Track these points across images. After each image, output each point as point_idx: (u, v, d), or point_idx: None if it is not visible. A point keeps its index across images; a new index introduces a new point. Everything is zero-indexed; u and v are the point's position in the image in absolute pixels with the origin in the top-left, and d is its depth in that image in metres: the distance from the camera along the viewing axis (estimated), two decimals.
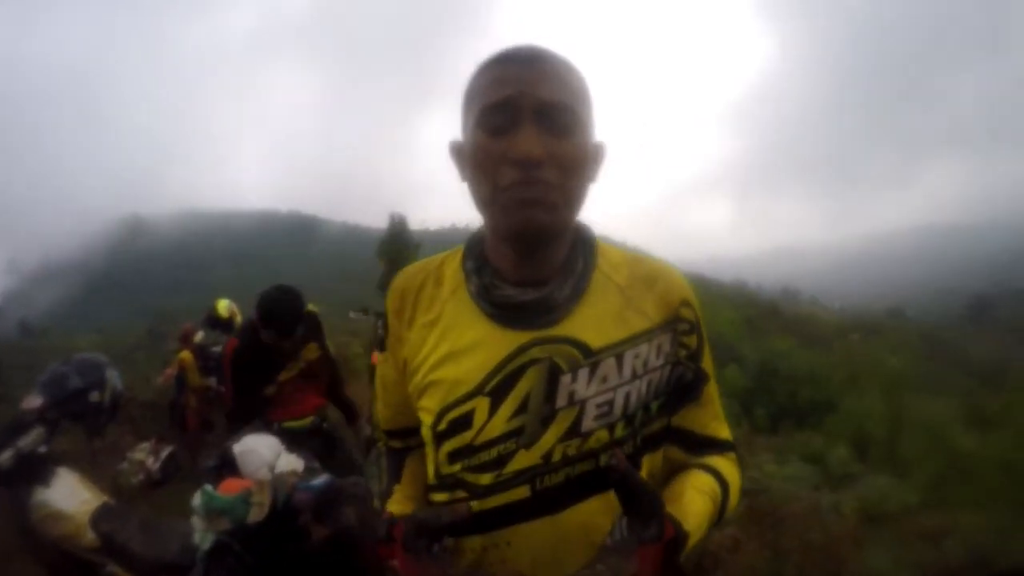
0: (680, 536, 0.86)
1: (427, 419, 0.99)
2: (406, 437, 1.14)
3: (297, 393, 3.20)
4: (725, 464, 1.04)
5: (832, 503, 4.88)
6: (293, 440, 2.76)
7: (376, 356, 1.17)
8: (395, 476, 1.12)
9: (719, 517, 0.99)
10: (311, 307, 3.27)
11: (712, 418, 1.07)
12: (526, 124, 0.86)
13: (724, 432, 1.09)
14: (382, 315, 1.11)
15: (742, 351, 15.27)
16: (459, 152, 0.98)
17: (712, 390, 1.07)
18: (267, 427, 2.95)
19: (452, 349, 0.97)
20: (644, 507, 0.82)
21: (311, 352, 3.24)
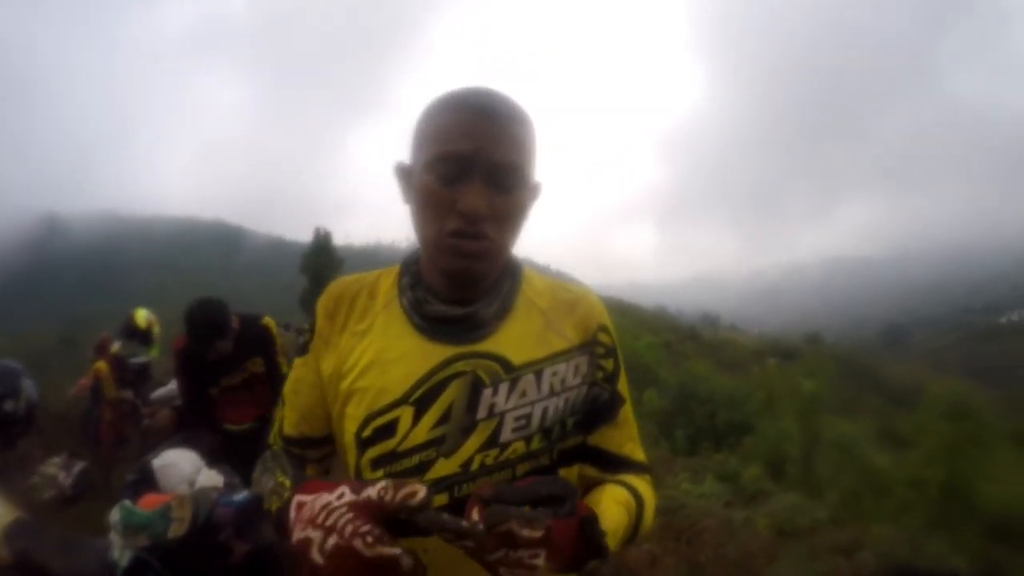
0: (592, 516, 0.87)
1: (351, 426, 1.01)
2: (304, 447, 1.12)
3: (238, 400, 3.36)
4: (640, 483, 1.08)
5: (744, 519, 5.08)
6: (232, 443, 2.85)
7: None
8: (293, 474, 1.03)
9: (634, 531, 1.02)
10: (267, 321, 3.38)
11: (627, 439, 1.12)
12: (476, 181, 0.92)
13: (639, 454, 1.14)
14: (304, 329, 1.14)
15: (661, 375, 15.64)
16: (406, 177, 1.03)
17: (628, 413, 1.13)
18: (212, 426, 3.19)
19: (381, 358, 1.01)
20: (554, 490, 0.85)
21: (255, 365, 3.36)
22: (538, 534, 0.77)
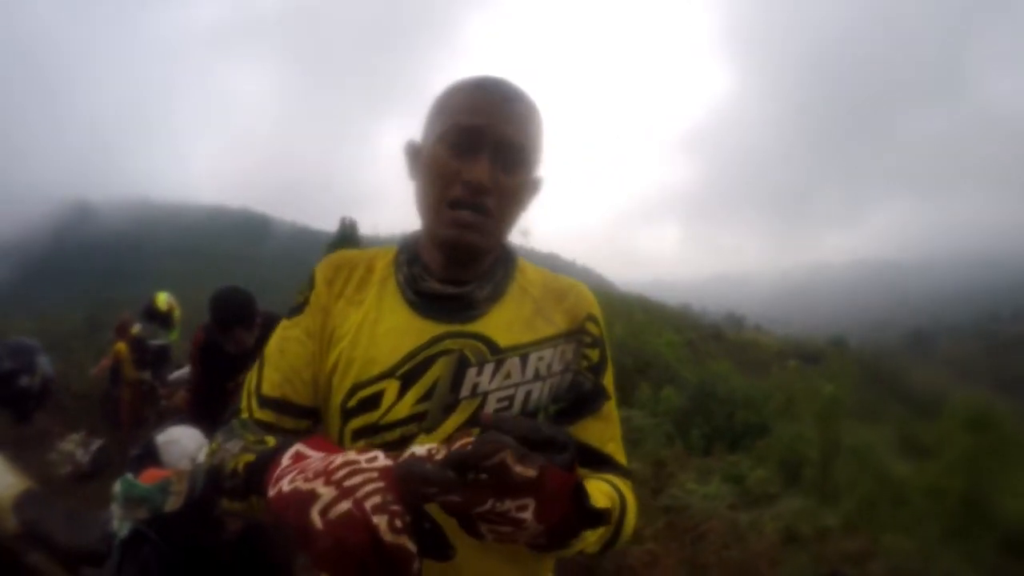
0: (583, 488, 0.74)
1: (337, 396, 1.02)
2: (280, 411, 1.05)
3: None
4: (622, 484, 1.07)
5: (750, 522, 5.04)
6: None
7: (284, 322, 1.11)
8: (271, 435, 0.97)
9: (616, 529, 0.98)
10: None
11: (610, 439, 1.12)
12: (485, 154, 0.96)
13: (621, 456, 1.14)
14: (299, 292, 1.12)
15: (681, 373, 15.54)
16: (415, 154, 1.06)
17: (612, 410, 1.14)
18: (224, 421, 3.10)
19: (372, 330, 1.03)
20: (551, 438, 0.73)
21: None
22: (531, 473, 0.66)
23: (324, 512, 0.64)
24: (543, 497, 0.69)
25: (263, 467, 0.79)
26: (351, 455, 0.70)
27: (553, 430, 0.75)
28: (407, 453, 0.69)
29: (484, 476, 0.66)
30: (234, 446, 0.94)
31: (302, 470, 0.71)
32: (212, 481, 0.95)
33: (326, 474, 0.67)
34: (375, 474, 0.67)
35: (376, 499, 0.64)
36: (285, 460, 0.76)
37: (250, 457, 0.86)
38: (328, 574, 0.65)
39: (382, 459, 0.69)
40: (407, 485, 0.66)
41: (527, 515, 0.69)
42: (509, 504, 0.68)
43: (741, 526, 4.98)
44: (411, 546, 0.64)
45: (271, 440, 0.91)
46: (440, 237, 1.01)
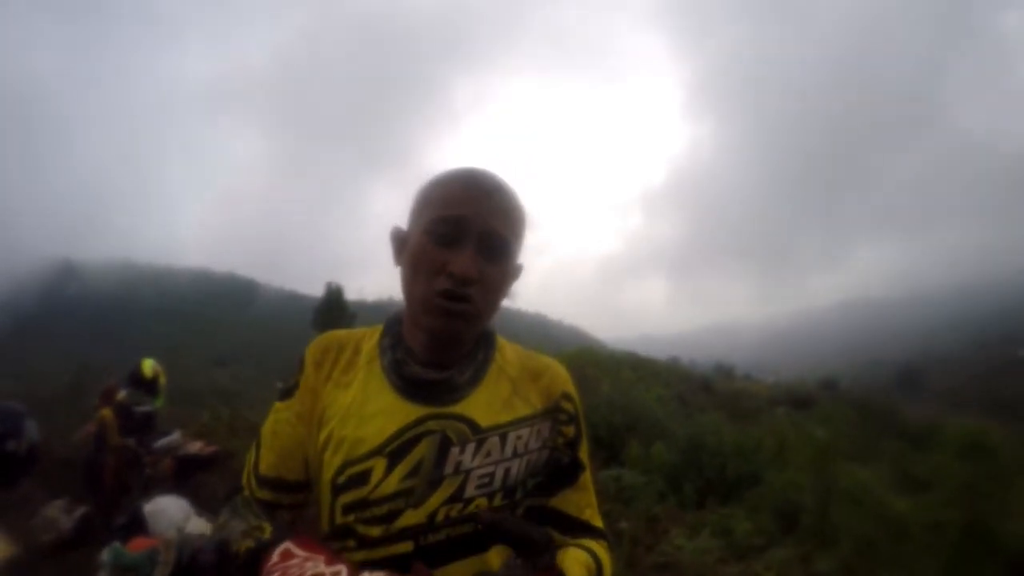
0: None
1: (328, 473, 1.08)
2: (277, 490, 1.16)
3: None
4: (599, 548, 1.15)
5: (737, 574, 5.01)
6: None
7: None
8: (269, 520, 1.10)
9: None
10: None
11: (587, 505, 1.21)
12: (469, 246, 1.03)
13: (597, 520, 1.23)
14: (289, 376, 1.21)
15: (671, 427, 15.46)
16: (401, 241, 1.13)
17: (587, 480, 1.22)
18: None
19: (360, 411, 1.09)
20: (537, 539, 0.94)
21: None
22: None
23: None
24: None
25: (258, 557, 0.94)
26: (320, 567, 0.87)
27: (539, 532, 0.93)
28: None
29: None
30: (237, 526, 1.07)
31: (283, 573, 0.87)
32: (221, 554, 1.05)
33: None
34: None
35: None
36: (275, 556, 0.92)
37: (250, 543, 1.01)
38: None
39: (344, 574, 0.85)
40: None
41: None
42: None
43: None
44: None
45: (267, 529, 1.04)
46: (426, 325, 1.08)
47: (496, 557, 1.05)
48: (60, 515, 5.65)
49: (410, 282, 1.09)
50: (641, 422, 15.80)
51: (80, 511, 5.76)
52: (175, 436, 6.66)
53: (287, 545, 0.93)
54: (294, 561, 0.88)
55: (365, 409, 1.09)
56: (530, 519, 1.13)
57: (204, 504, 4.03)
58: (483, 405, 1.11)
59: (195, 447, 6.63)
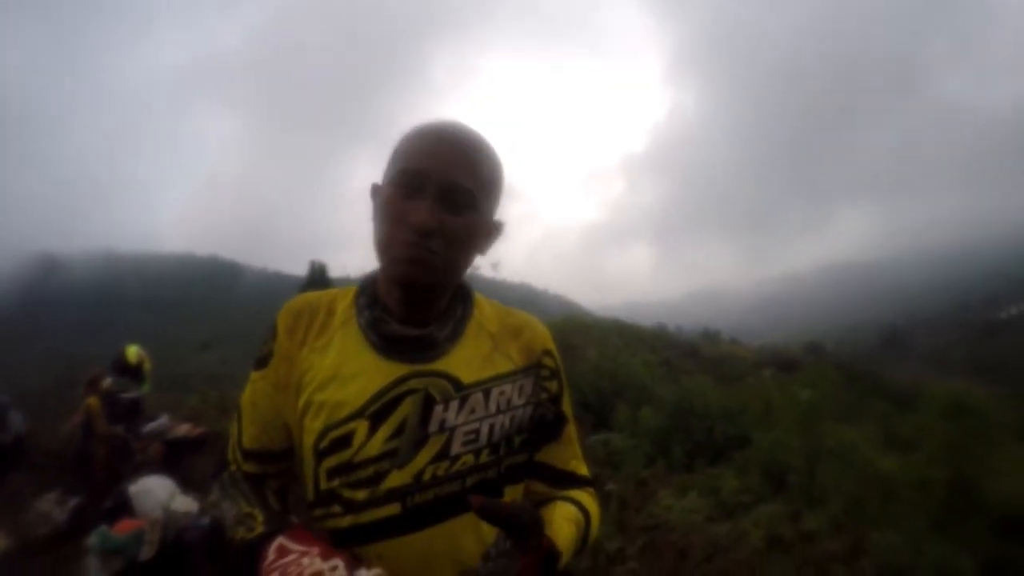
0: (555, 551, 1.00)
1: (309, 438, 1.07)
2: (263, 461, 1.16)
3: None
4: (586, 497, 1.18)
5: (727, 531, 5.09)
6: None
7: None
8: (259, 503, 1.10)
9: (583, 543, 1.13)
10: None
11: (572, 456, 1.23)
12: (429, 197, 1.01)
13: (583, 469, 1.24)
14: (262, 343, 1.18)
15: (658, 392, 15.62)
16: (377, 196, 1.11)
17: (572, 432, 1.24)
18: None
19: (339, 374, 1.07)
20: (527, 522, 0.93)
21: None
22: None
23: None
24: None
25: (252, 552, 0.96)
26: (317, 564, 0.87)
27: (528, 516, 0.94)
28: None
29: None
30: (229, 509, 1.09)
31: (282, 572, 0.88)
32: (216, 531, 1.07)
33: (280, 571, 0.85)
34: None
35: None
36: (271, 554, 0.92)
37: (244, 534, 1.02)
38: None
39: (341, 569, 0.86)
40: None
41: None
42: None
43: (721, 536, 5.02)
44: None
45: (259, 518, 1.04)
46: (389, 275, 1.07)
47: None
48: (53, 508, 5.63)
49: (376, 234, 1.08)
50: (628, 388, 15.95)
51: (73, 502, 5.74)
52: (163, 420, 6.65)
53: (281, 541, 0.93)
54: (290, 558, 0.88)
55: (344, 371, 1.08)
56: (514, 474, 1.13)
57: (195, 486, 4.11)
58: (464, 361, 1.11)
59: (183, 430, 6.63)
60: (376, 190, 1.13)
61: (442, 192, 1.03)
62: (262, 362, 1.15)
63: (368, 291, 1.15)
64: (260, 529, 1.01)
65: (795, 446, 11.38)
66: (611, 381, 15.93)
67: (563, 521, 1.09)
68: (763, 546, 5.26)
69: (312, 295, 1.20)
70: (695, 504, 5.45)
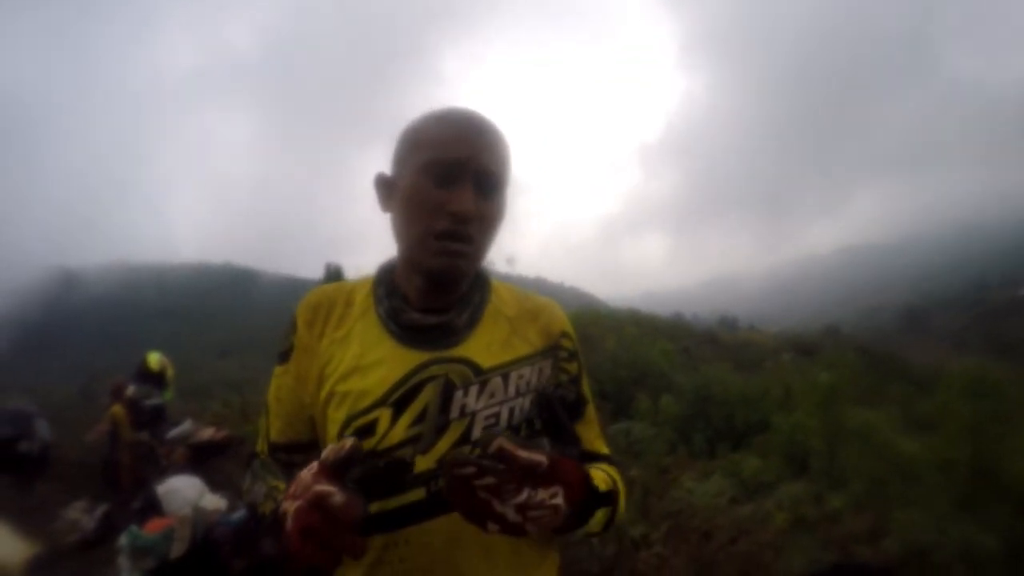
0: (590, 476, 1.01)
1: (333, 428, 1.08)
2: (291, 452, 1.17)
3: None
4: (611, 469, 1.17)
5: (751, 513, 5.09)
6: None
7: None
8: (285, 478, 1.08)
9: (612, 514, 1.09)
10: None
11: (595, 437, 1.23)
12: (468, 184, 1.04)
13: (605, 449, 1.25)
14: (283, 338, 1.20)
15: (677, 380, 15.60)
16: (388, 186, 1.13)
17: (592, 412, 1.25)
18: None
19: (360, 364, 1.09)
20: (572, 433, 0.99)
21: None
22: (539, 458, 0.86)
23: (290, 519, 0.82)
24: (566, 484, 0.89)
25: (278, 516, 0.92)
26: (300, 473, 0.86)
27: (561, 433, 0.98)
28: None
29: (500, 466, 0.83)
30: (260, 489, 1.09)
31: (291, 496, 0.86)
32: (252, 516, 1.08)
33: (290, 495, 0.85)
34: (309, 476, 0.83)
35: (311, 491, 0.80)
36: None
37: (271, 505, 1.02)
38: (304, 563, 0.80)
39: (315, 465, 0.84)
40: (454, 468, 0.83)
41: (560, 501, 0.88)
42: (543, 494, 0.86)
43: (745, 518, 5.01)
44: (323, 487, 0.79)
45: (281, 487, 1.03)
46: (427, 267, 1.07)
47: None
48: (82, 516, 5.71)
49: (406, 225, 1.08)
50: (647, 376, 15.94)
51: (101, 509, 5.82)
52: (187, 425, 6.72)
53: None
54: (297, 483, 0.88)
55: (365, 360, 1.09)
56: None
57: (220, 487, 4.16)
58: (483, 346, 1.12)
59: (207, 434, 6.67)
60: (386, 182, 1.14)
61: (478, 178, 1.05)
62: (284, 356, 1.18)
63: (386, 280, 1.17)
64: (281, 497, 1.01)
65: (816, 428, 11.35)
66: (629, 370, 15.91)
67: (596, 471, 1.09)
68: (787, 526, 5.26)
69: (330, 287, 1.22)
70: (718, 487, 5.44)
